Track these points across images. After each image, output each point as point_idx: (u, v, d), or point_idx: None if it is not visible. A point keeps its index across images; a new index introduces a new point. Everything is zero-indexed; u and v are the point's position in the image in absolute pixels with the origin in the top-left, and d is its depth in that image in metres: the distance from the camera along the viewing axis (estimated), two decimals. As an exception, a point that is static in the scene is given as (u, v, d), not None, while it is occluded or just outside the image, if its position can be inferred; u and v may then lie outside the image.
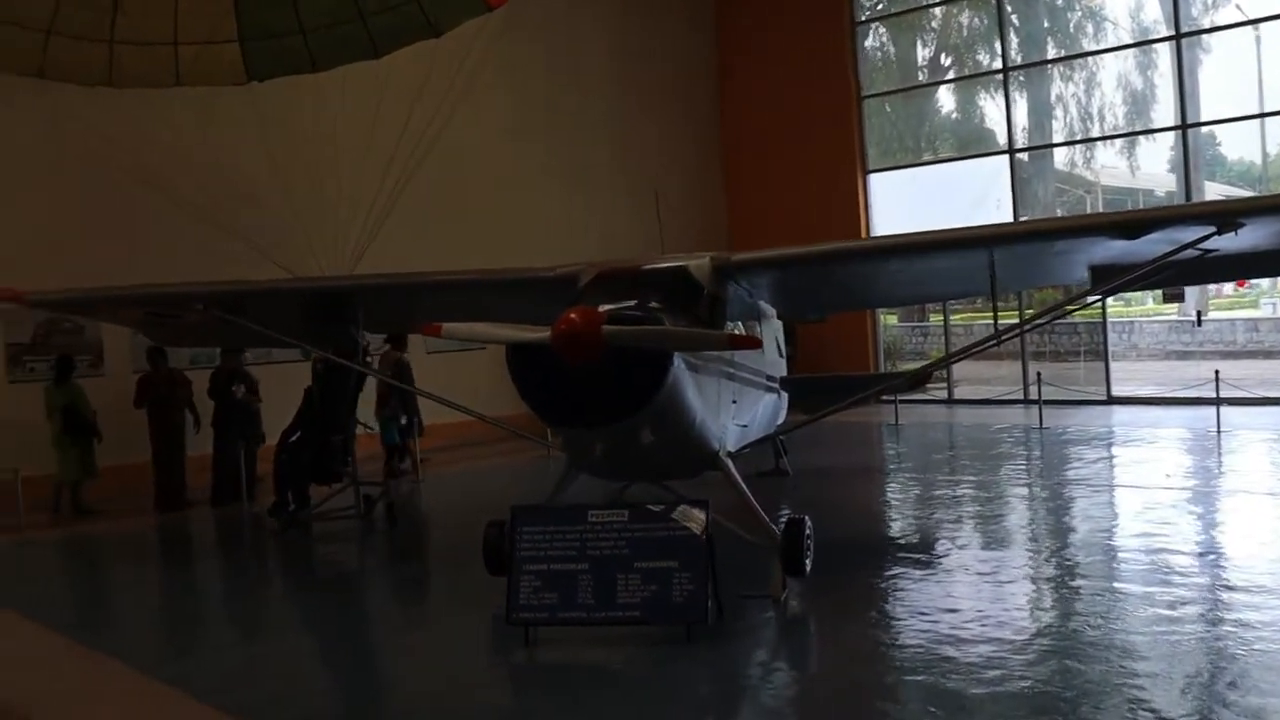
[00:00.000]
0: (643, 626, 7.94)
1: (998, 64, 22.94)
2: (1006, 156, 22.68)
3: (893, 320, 26.20)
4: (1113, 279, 9.80)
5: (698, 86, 26.21)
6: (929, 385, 23.26)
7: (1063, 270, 10.56)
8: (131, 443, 15.75)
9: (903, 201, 24.05)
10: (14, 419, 15.98)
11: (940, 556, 10.21)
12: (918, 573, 9.63)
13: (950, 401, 23.16)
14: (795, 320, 23.50)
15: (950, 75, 24.65)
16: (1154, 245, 9.07)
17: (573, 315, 7.58)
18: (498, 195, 21.48)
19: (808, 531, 9.03)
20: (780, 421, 13.57)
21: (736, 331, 9.72)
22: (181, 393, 15.61)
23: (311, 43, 16.47)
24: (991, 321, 11.38)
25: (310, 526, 13.34)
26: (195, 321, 11.80)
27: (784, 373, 14.44)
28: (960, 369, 24.13)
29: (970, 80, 23.97)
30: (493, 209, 21.22)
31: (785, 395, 13.46)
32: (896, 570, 9.72)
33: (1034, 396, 19.13)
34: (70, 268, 15.05)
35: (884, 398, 21.05)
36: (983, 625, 7.85)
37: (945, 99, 25.25)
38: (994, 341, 9.54)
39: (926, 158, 24.58)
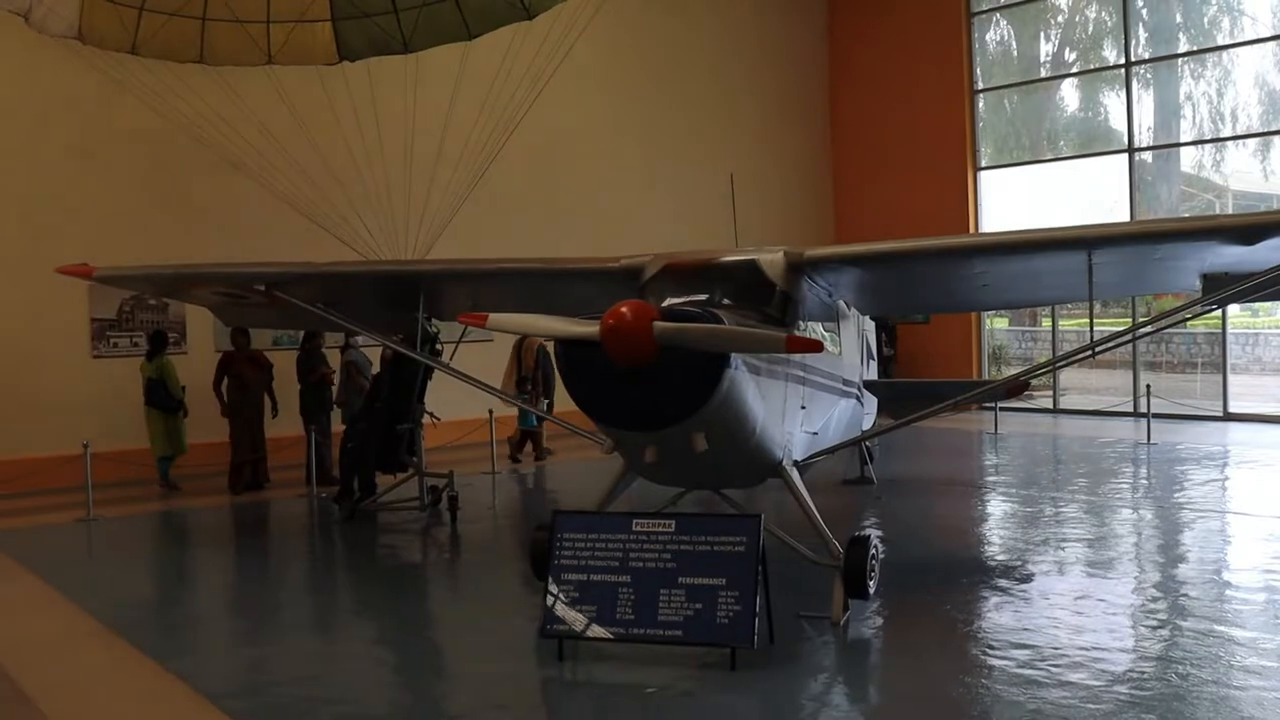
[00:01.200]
0: (685, 647, 7.39)
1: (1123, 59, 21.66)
2: (1126, 156, 21.38)
3: (1001, 324, 25.11)
4: (1226, 288, 8.94)
5: (807, 77, 25.41)
6: (1032, 393, 22.27)
7: (1171, 277, 9.70)
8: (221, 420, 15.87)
9: (1018, 201, 22.99)
10: (97, 393, 16.13)
11: (1023, 582, 9.44)
12: (996, 600, 8.91)
13: (1055, 411, 22.04)
14: (896, 320, 22.84)
15: (1074, 70, 23.39)
16: (1273, 252, 8.24)
17: (623, 309, 7.09)
18: (592, 186, 21.06)
19: (873, 550, 8.37)
20: (865, 428, 12.95)
21: (808, 333, 9.09)
22: (261, 374, 15.49)
23: (404, 22, 16.22)
24: (1111, 328, 10.55)
25: (375, 516, 13.10)
26: (261, 303, 11.56)
27: (870, 375, 13.80)
28: (1068, 377, 22.99)
29: (1092, 76, 22.68)
30: (587, 200, 20.80)
31: (871, 400, 12.83)
32: (973, 595, 9.03)
33: (1144, 409, 17.96)
34: (158, 248, 15.12)
35: (985, 405, 20.12)
36: (1056, 665, 7.11)
37: (1069, 96, 24.02)
38: (1089, 352, 8.74)
39: (1044, 156, 23.38)
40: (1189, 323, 20.93)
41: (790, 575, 8.85)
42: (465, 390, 10.38)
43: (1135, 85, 21.59)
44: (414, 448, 13.24)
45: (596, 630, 7.53)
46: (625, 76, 22.03)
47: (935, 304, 12.14)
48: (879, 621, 8.39)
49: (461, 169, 15.43)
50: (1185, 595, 8.80)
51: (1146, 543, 11.06)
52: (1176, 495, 13.16)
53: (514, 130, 15.37)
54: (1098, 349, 8.65)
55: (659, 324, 7.10)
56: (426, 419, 13.52)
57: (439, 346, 13.11)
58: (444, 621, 9.34)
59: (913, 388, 15.09)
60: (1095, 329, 9.16)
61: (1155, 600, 8.73)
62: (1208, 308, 9.71)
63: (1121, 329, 9.25)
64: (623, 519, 7.87)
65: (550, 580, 7.74)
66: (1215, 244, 8.39)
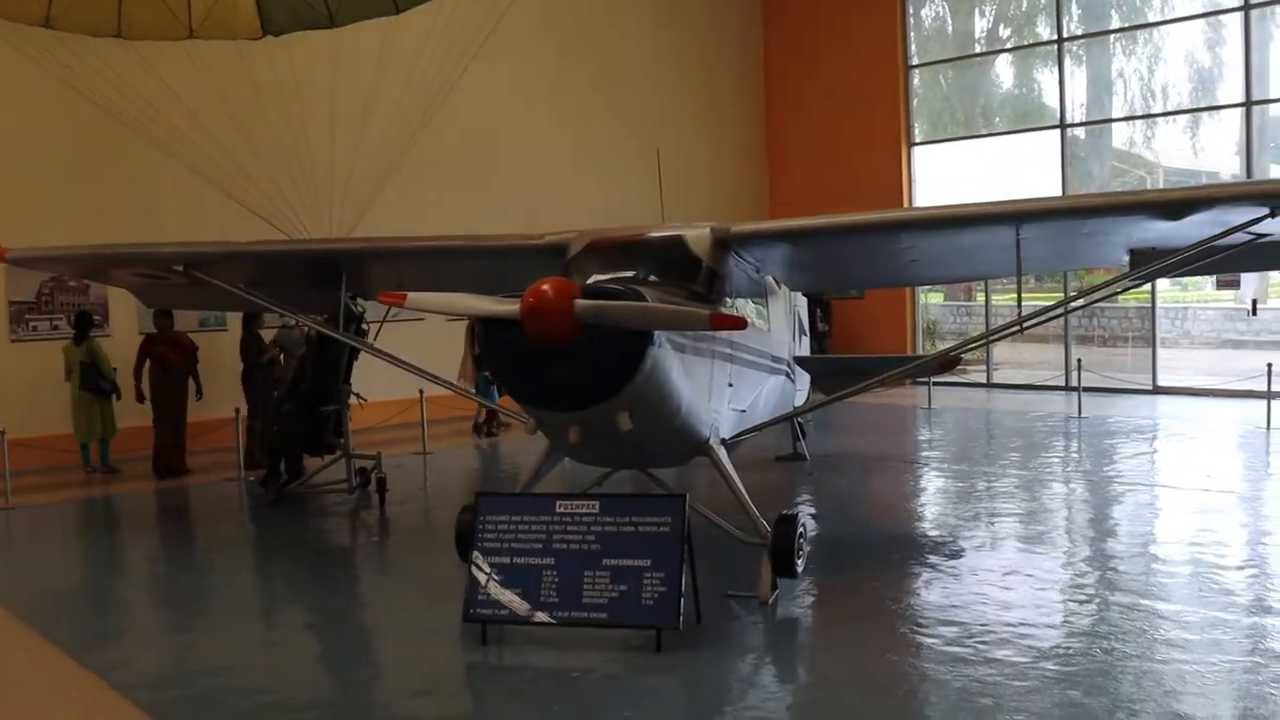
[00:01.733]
0: (610, 630, 7.27)
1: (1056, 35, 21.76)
2: (1058, 132, 21.50)
3: (936, 299, 25.22)
4: (1152, 263, 8.95)
5: (740, 51, 25.26)
6: (965, 368, 22.40)
7: (1099, 252, 9.71)
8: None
9: (951, 178, 23.05)
10: (16, 379, 15.66)
11: (953, 559, 9.42)
12: (926, 576, 8.89)
13: (989, 385, 22.19)
14: (831, 296, 22.85)
15: (1008, 47, 23.46)
16: (1199, 227, 8.24)
17: (544, 287, 6.94)
18: (525, 165, 20.74)
19: (801, 529, 8.30)
20: (798, 404, 12.90)
21: (734, 309, 8.97)
22: (185, 356, 15.12)
23: (330, -4, 15.89)
24: (1043, 303, 10.55)
25: (302, 500, 12.85)
26: (181, 284, 11.24)
27: (801, 351, 13.75)
28: (1001, 351, 23.18)
29: (1026, 52, 22.75)
30: (519, 179, 20.48)
31: (804, 376, 12.78)
32: (903, 572, 9.00)
33: (1075, 383, 18.11)
34: (76, 229, 14.62)
35: (919, 380, 20.22)
36: (982, 642, 7.08)
37: (1004, 72, 24.09)
38: (1018, 327, 8.72)
39: (978, 132, 23.46)
40: (1120, 298, 21.18)
41: (719, 554, 8.77)
42: (395, 370, 10.14)
43: (1068, 62, 21.69)
44: (341, 429, 12.98)
45: (520, 613, 7.39)
46: (553, 52, 21.71)
47: (865, 279, 12.11)
48: (808, 600, 8.34)
49: (386, 146, 15.13)
50: (1113, 569, 8.83)
51: (1076, 517, 11.11)
52: (1106, 469, 13.27)
53: (436, 107, 15.08)
54: (1026, 324, 8.63)
55: (580, 302, 6.95)
56: (353, 400, 13.27)
57: (365, 326, 12.87)
58: (369, 606, 9.10)
59: (844, 363, 15.05)
60: (1027, 304, 9.14)
61: (1083, 575, 8.75)
62: (1135, 283, 9.72)
63: (1050, 304, 9.20)
64: (546, 500, 7.72)
65: (473, 563, 7.59)
66: (1141, 219, 8.39)
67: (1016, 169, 22.72)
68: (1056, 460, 14.23)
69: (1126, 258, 9.50)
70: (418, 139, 15.06)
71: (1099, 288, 9.50)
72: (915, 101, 23.69)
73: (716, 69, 24.69)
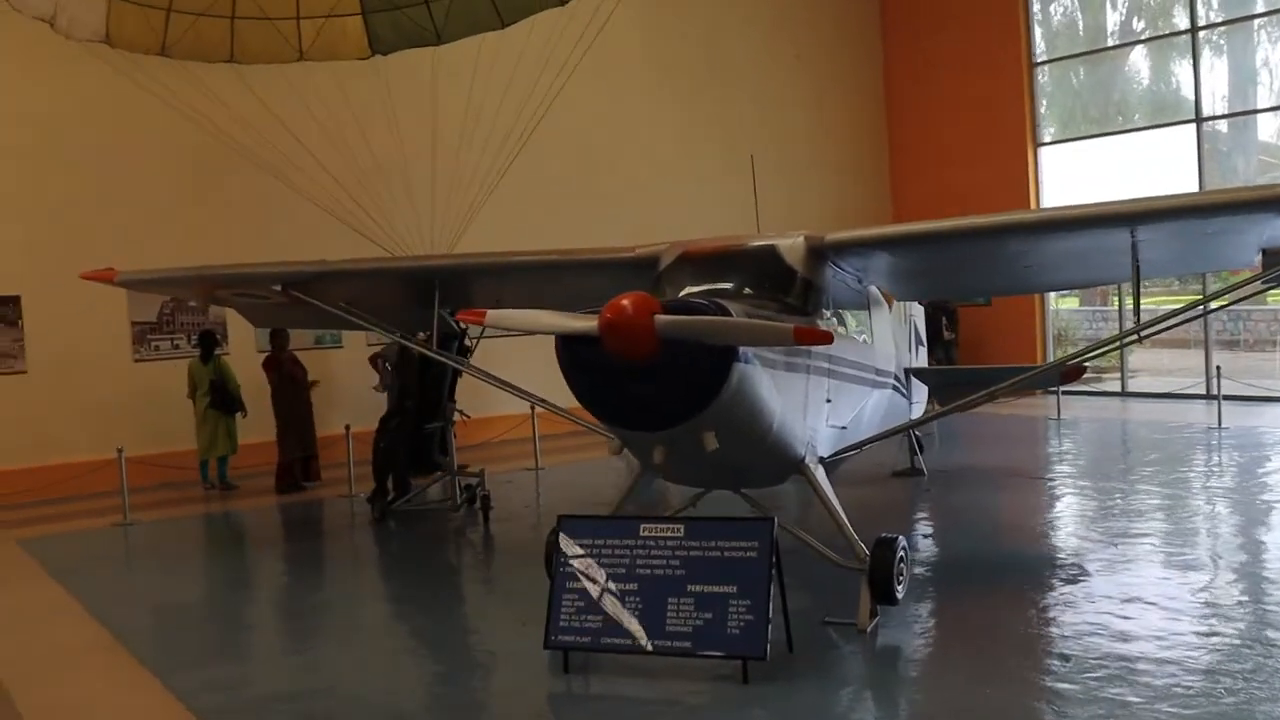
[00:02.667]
0: (695, 659, 6.96)
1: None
2: (1194, 126, 20.39)
3: (1070, 304, 24.20)
4: (1286, 264, 8.27)
5: (859, 53, 24.71)
6: (1100, 375, 21.44)
7: (1228, 253, 9.01)
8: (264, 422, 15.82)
9: (1083, 178, 22.06)
10: (138, 398, 16.10)
11: (1070, 582, 8.84)
12: (1041, 601, 8.34)
13: (1124, 394, 21.15)
14: (956, 304, 22.08)
15: (1138, 39, 22.36)
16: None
17: (624, 302, 6.68)
18: (635, 175, 20.63)
19: (900, 552, 7.86)
20: (914, 417, 12.45)
21: (832, 321, 8.59)
22: (301, 374, 15.35)
23: (435, 12, 15.90)
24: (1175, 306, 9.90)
25: (408, 517, 12.86)
26: (283, 303, 11.31)
27: (919, 363, 13.29)
28: (1139, 358, 22.12)
29: (1161, 44, 21.62)
30: (630, 189, 20.33)
31: (921, 389, 12.26)
32: (1016, 597, 8.46)
33: (1217, 391, 17.07)
34: (194, 249, 14.97)
35: (1049, 389, 19.34)
36: (1095, 680, 6.54)
37: (1140, 67, 22.96)
38: (1135, 336, 8.12)
39: (1108, 129, 22.41)
40: (1269, 299, 19.97)
41: (819, 578, 8.40)
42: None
43: (1208, 52, 20.57)
44: (446, 447, 12.95)
45: (602, 641, 7.14)
46: (667, 59, 21.54)
47: (978, 287, 11.51)
48: (912, 627, 7.87)
49: (488, 159, 15.10)
50: (1249, 598, 8.15)
51: (1210, 538, 10.31)
52: (1249, 484, 12.39)
53: (541, 119, 14.96)
54: (1144, 333, 8.03)
55: (660, 318, 6.67)
56: (457, 416, 13.22)
57: (469, 343, 12.80)
58: (451, 629, 8.82)
59: (961, 374, 14.45)
60: (1163, 307, 8.52)
61: (1214, 604, 8.06)
62: (1268, 285, 8.99)
63: (1172, 309, 8.57)
64: (630, 523, 7.45)
65: (553, 588, 7.36)
66: (1269, 216, 7.74)
67: (1153, 167, 21.62)
68: (1192, 474, 13.33)
69: (1259, 258, 8.81)
70: (520, 153, 14.91)
71: (1221, 293, 8.79)
72: (1044, 101, 22.78)
73: (836, 74, 24.18)
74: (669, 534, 7.26)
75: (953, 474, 13.92)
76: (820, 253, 8.48)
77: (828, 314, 8.54)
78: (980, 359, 21.24)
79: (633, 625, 7.08)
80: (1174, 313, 8.44)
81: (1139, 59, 22.55)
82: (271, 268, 10.88)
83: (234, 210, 16.69)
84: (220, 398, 15.23)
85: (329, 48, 16.12)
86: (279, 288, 10.78)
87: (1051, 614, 8.03)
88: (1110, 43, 22.55)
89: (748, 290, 8.30)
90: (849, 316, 9.29)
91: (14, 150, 15.46)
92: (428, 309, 11.01)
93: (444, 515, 12.89)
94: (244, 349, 16.75)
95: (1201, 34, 20.47)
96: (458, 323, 12.33)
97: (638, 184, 20.50)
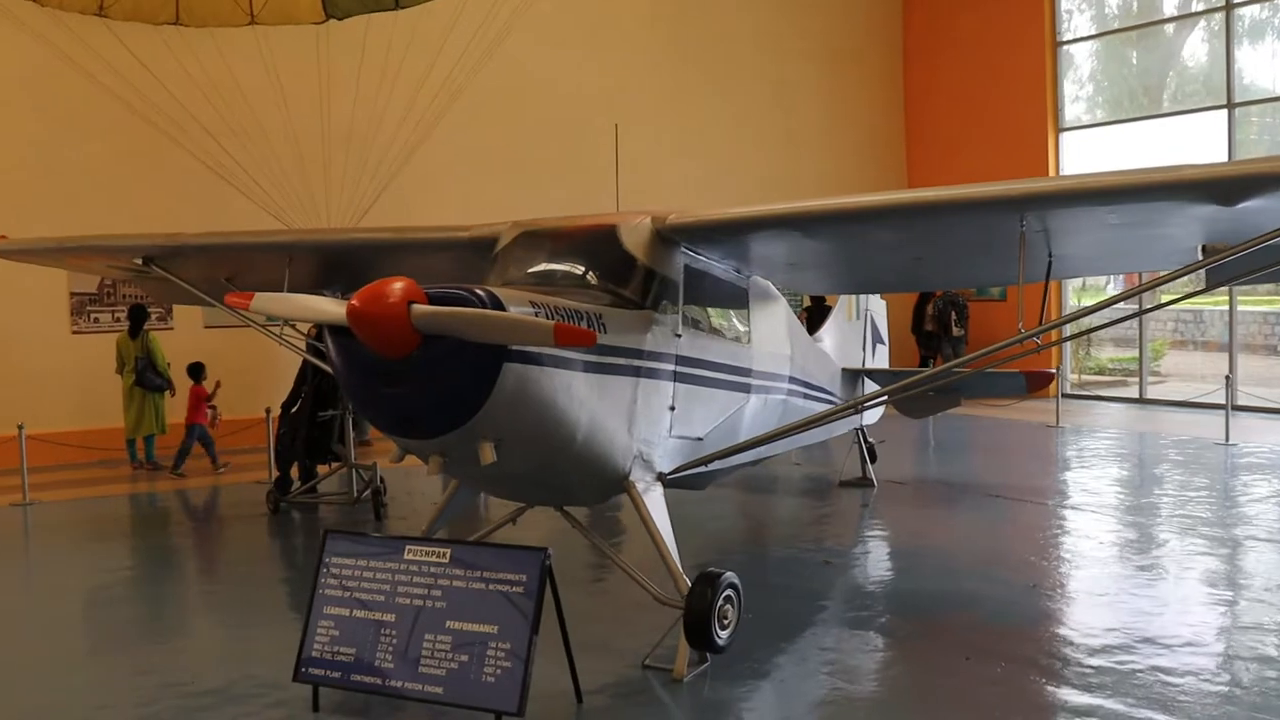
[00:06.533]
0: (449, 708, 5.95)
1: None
2: (1225, 112, 18.75)
3: (1092, 299, 22.58)
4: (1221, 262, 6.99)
5: (875, 33, 23.33)
6: (1123, 378, 20.03)
7: (1161, 249, 7.72)
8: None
9: (1113, 166, 20.43)
10: (77, 371, 15.50)
11: (966, 631, 7.66)
12: (913, 655, 7.18)
13: (1141, 401, 19.60)
14: (968, 297, 20.73)
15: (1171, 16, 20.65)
16: (1260, 217, 6.33)
17: (378, 287, 5.66)
18: (635, 151, 19.47)
19: (727, 590, 6.74)
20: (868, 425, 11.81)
21: (681, 317, 7.48)
22: None
23: (393, -24, 15.11)
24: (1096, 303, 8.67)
25: (301, 509, 12.04)
26: (159, 278, 10.50)
27: (869, 363, 12.25)
28: (1170, 360, 20.59)
29: (1194, 22, 19.94)
30: (622, 162, 19.19)
31: (825, 394, 10.77)
32: (896, 648, 7.29)
33: (1237, 400, 15.56)
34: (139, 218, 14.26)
35: (1068, 394, 18.00)
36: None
37: (1196, 46, 21.19)
38: (1013, 342, 6.91)
39: (1135, 115, 20.79)
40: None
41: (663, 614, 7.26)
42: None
43: (1241, 28, 18.89)
44: (344, 436, 12.08)
45: (351, 679, 6.16)
46: (671, 32, 20.42)
47: (868, 281, 10.06)
48: (750, 678, 6.69)
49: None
50: (1137, 658, 6.92)
51: (1147, 583, 9.01)
52: (1225, 515, 10.91)
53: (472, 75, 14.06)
54: (1034, 335, 6.84)
55: (418, 308, 5.63)
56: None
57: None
58: (235, 646, 7.80)
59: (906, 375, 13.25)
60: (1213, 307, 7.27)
61: (1110, 669, 6.86)
62: (1205, 288, 7.71)
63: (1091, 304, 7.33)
64: (395, 544, 6.44)
65: (310, 614, 6.40)
66: (1189, 205, 6.49)
67: (1188, 155, 19.96)
68: (1165, 500, 11.78)
69: (1200, 255, 7.49)
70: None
71: (1145, 288, 7.40)
72: (1087, 83, 21.18)
73: (850, 51, 22.86)
74: (433, 559, 6.23)
75: (907, 485, 12.72)
76: (666, 237, 7.38)
77: (672, 307, 7.42)
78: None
79: (385, 662, 6.10)
80: (1090, 309, 7.21)
81: (1197, 40, 20.80)
82: (134, 240, 10.07)
83: (181, 180, 15.90)
84: (145, 376, 14.54)
85: (282, 13, 15.34)
86: (139, 260, 9.98)
87: (926, 674, 6.88)
88: (1148, 20, 20.87)
89: (590, 275, 7.28)
90: (714, 312, 8.16)
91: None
92: (317, 289, 10.13)
93: (337, 508, 12.02)
94: (189, 323, 16.07)
95: (1242, 10, 18.78)
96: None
97: (635, 160, 19.40)
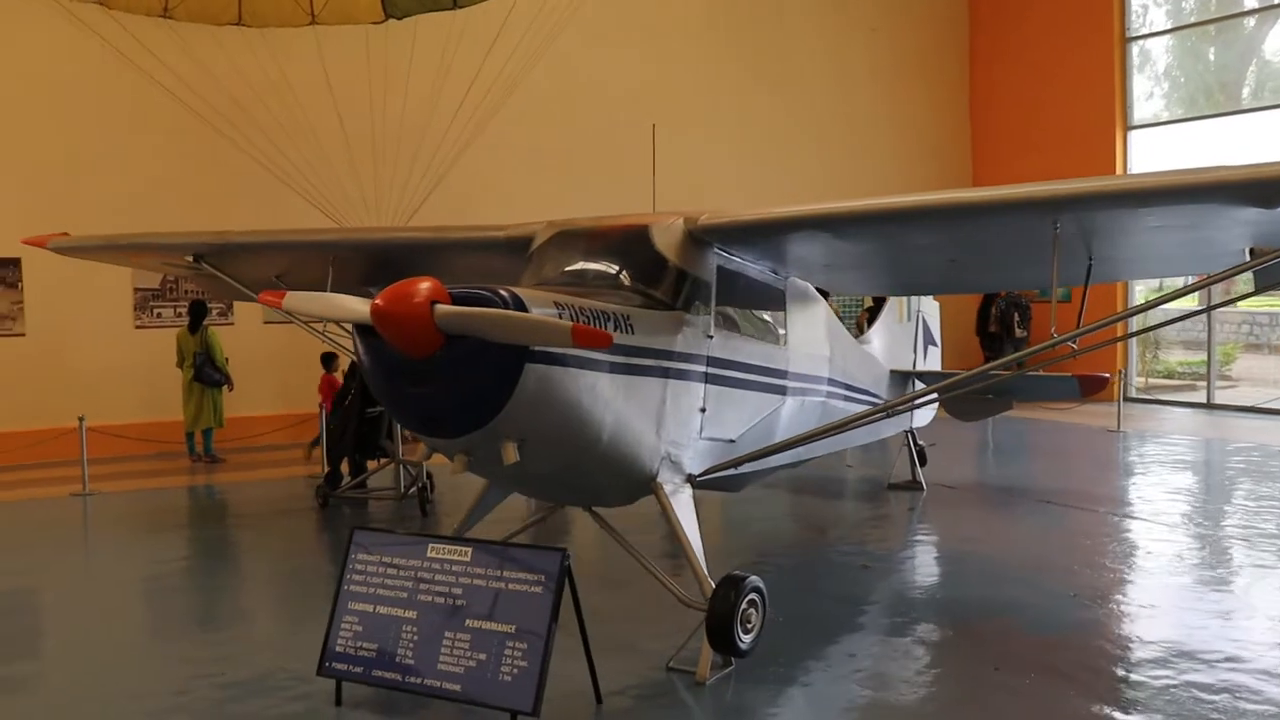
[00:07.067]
0: (468, 706, 5.99)
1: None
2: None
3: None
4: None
5: (942, 29, 23.03)
6: (1192, 382, 19.56)
7: (1205, 253, 7.55)
8: (259, 394, 15.65)
9: (1187, 164, 19.92)
10: (140, 365, 15.85)
11: (975, 637, 7.55)
12: (927, 664, 7.08)
13: (1209, 406, 19.11)
14: (1031, 299, 20.37)
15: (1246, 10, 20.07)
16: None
17: (403, 287, 5.73)
18: (690, 146, 19.47)
19: (751, 594, 6.70)
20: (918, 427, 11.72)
21: (713, 319, 7.44)
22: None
23: (453, -26, 15.23)
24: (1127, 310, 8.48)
25: (350, 504, 12.17)
26: (213, 276, 10.70)
27: (920, 365, 12.14)
28: (1240, 365, 20.06)
29: (1275, 14, 19.39)
30: (677, 164, 19.15)
31: (868, 396, 10.62)
32: (914, 651, 7.21)
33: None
34: (196, 218, 14.54)
35: (1132, 398, 17.62)
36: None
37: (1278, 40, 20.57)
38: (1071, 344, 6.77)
39: (1204, 113, 20.25)
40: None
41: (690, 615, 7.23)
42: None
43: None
44: (393, 432, 12.20)
45: (373, 675, 6.23)
46: (730, 27, 20.34)
47: (907, 283, 9.86)
48: (774, 682, 6.63)
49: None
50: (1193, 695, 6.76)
51: (1186, 596, 8.79)
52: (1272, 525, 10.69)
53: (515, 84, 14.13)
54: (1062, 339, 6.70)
55: (441, 308, 5.69)
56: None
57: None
58: (261, 639, 7.92)
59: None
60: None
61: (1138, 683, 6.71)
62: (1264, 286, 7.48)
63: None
64: (419, 542, 6.50)
65: (335, 608, 6.48)
66: (1229, 207, 6.33)
67: (1267, 154, 19.33)
68: (1222, 510, 11.58)
69: (1248, 257, 7.31)
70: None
71: (1161, 300, 7.25)
72: (1145, 77, 20.72)
73: (915, 54, 22.60)
74: (456, 557, 6.29)
75: (957, 490, 12.54)
76: (698, 238, 7.35)
77: (704, 308, 7.39)
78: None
79: (405, 658, 6.16)
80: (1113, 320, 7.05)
81: (1260, 32, 20.23)
82: (184, 238, 10.28)
83: (237, 179, 16.17)
84: (203, 370, 14.83)
85: (343, 12, 15.53)
86: (190, 258, 10.18)
87: (948, 685, 6.78)
88: (1227, 14, 20.30)
89: (622, 276, 7.29)
90: (749, 313, 8.11)
91: (14, 110, 15.26)
92: (361, 288, 10.24)
93: (386, 504, 12.15)
94: (250, 319, 16.35)
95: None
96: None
97: (686, 162, 19.35)
